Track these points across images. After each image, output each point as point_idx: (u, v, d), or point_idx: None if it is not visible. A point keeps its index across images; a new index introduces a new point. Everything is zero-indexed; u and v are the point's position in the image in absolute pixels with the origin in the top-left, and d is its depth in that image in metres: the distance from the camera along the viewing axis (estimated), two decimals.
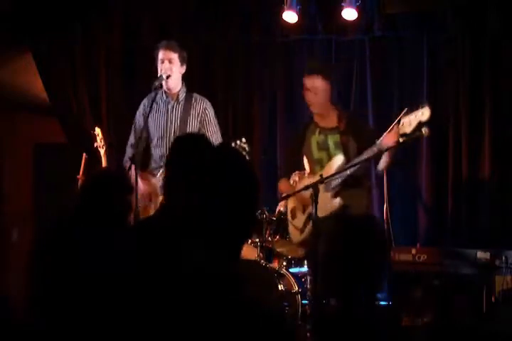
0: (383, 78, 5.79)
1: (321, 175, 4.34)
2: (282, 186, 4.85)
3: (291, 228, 4.75)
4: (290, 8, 5.49)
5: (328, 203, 4.45)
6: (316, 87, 4.56)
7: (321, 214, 4.18)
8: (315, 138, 4.68)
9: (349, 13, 5.46)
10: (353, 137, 4.59)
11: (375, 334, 2.01)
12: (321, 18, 5.76)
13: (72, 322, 2.72)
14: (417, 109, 4.29)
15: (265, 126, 5.98)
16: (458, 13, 5.51)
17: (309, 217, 4.49)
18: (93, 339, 2.55)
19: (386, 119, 4.96)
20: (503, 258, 4.38)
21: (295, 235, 4.71)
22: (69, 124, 5.95)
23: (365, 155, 4.39)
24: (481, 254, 4.44)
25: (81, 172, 5.34)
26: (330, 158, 4.61)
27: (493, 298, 4.37)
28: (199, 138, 2.24)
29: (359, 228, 2.20)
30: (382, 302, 4.68)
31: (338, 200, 4.48)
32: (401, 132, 4.30)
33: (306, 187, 4.28)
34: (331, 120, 4.67)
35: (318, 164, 4.66)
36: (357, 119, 4.87)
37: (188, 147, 2.12)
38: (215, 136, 4.78)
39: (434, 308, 4.44)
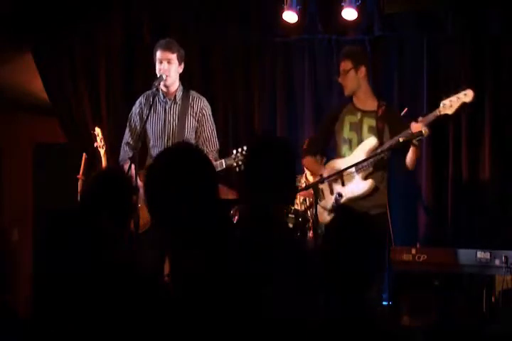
0: (383, 78, 5.78)
1: (321, 175, 4.35)
2: (307, 163, 4.88)
3: (319, 208, 4.75)
4: (290, 8, 5.49)
5: (359, 184, 4.49)
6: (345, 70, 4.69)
7: (352, 195, 4.49)
8: (349, 118, 4.70)
9: (349, 13, 5.46)
10: (388, 124, 4.62)
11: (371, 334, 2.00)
12: (321, 18, 5.76)
13: (72, 323, 2.72)
14: (458, 92, 4.38)
15: (265, 126, 5.97)
16: (458, 13, 5.51)
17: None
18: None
19: None
20: (503, 258, 4.38)
21: (323, 216, 4.65)
22: (69, 124, 5.95)
23: (387, 144, 4.44)
24: (481, 254, 4.44)
25: (81, 172, 5.35)
26: (361, 140, 4.63)
27: (493, 298, 4.36)
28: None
29: (356, 222, 2.18)
30: (382, 302, 4.69)
31: (368, 182, 4.52)
32: (442, 113, 4.38)
33: (306, 187, 4.29)
34: (370, 104, 4.69)
35: (346, 143, 4.67)
36: (394, 109, 4.91)
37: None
38: (211, 134, 4.80)
39: (434, 308, 4.43)
